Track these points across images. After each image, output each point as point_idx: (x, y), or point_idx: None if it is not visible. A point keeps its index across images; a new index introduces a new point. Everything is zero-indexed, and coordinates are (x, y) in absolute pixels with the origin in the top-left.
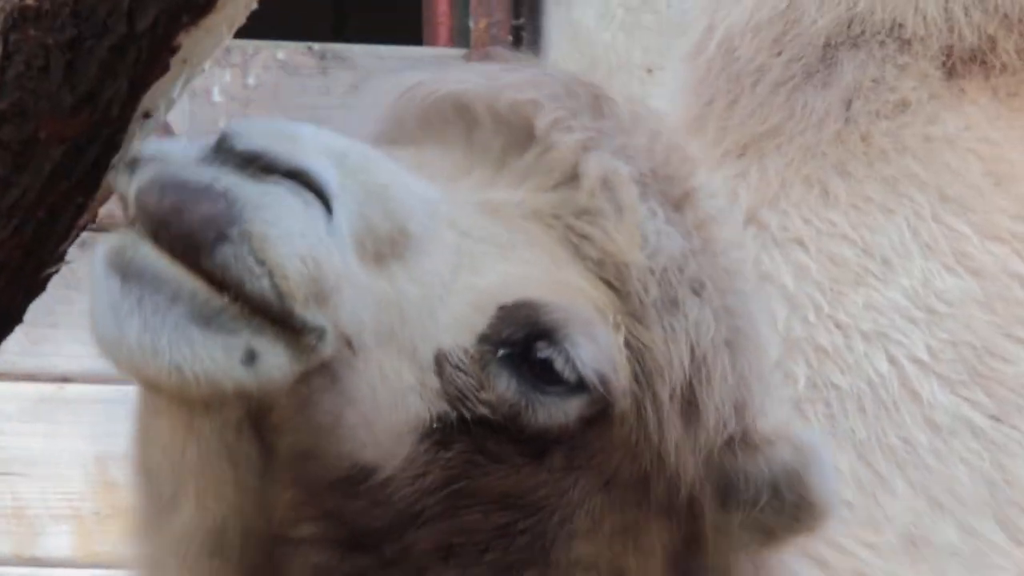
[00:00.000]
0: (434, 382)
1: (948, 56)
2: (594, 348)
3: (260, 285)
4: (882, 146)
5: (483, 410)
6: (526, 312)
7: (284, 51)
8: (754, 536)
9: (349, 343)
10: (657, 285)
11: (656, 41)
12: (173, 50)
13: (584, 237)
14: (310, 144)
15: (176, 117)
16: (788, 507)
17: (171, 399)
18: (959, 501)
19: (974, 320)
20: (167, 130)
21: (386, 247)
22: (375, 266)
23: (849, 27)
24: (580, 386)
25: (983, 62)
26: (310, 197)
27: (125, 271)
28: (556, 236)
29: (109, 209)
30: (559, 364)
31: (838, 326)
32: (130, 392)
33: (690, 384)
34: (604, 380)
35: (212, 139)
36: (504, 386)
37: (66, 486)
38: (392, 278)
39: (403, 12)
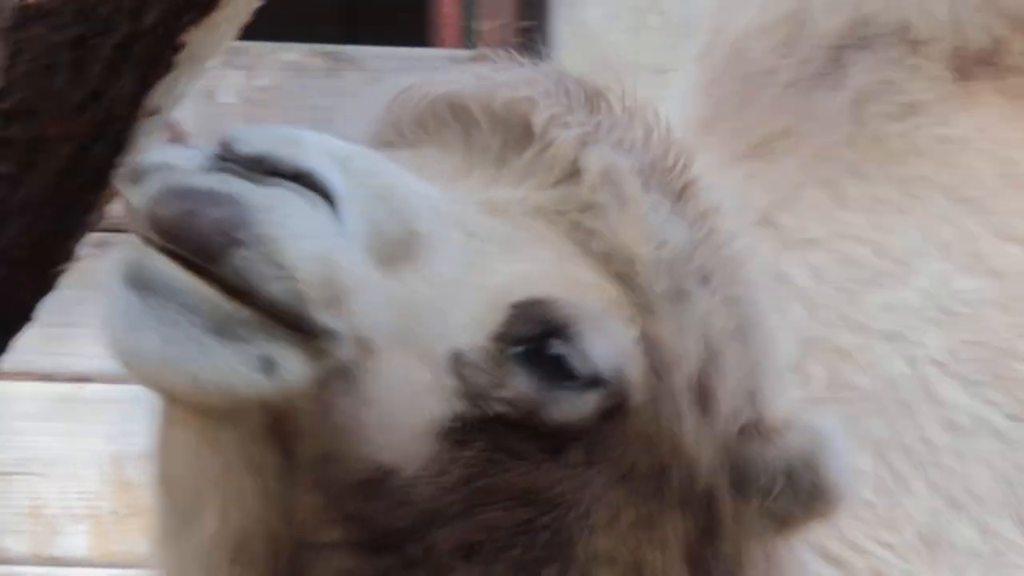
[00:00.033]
0: (451, 382)
1: (957, 58)
2: (608, 342)
3: (276, 288)
4: (895, 148)
5: (501, 408)
6: (538, 309)
7: (293, 53)
8: (769, 524)
9: (365, 346)
10: (666, 276)
11: (663, 42)
12: (177, 48)
13: (589, 232)
14: (313, 147)
15: (186, 119)
16: (803, 493)
17: (190, 410)
18: (978, 501)
19: (991, 321)
20: (179, 133)
21: (395, 248)
22: (386, 267)
23: (857, 29)
24: (596, 381)
25: (992, 63)
26: (316, 198)
27: (139, 284)
28: (561, 232)
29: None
30: (574, 360)
31: (856, 327)
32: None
33: (704, 374)
34: (619, 374)
35: (215, 145)
36: (521, 383)
37: (84, 486)
38: (403, 279)
39: (410, 13)
